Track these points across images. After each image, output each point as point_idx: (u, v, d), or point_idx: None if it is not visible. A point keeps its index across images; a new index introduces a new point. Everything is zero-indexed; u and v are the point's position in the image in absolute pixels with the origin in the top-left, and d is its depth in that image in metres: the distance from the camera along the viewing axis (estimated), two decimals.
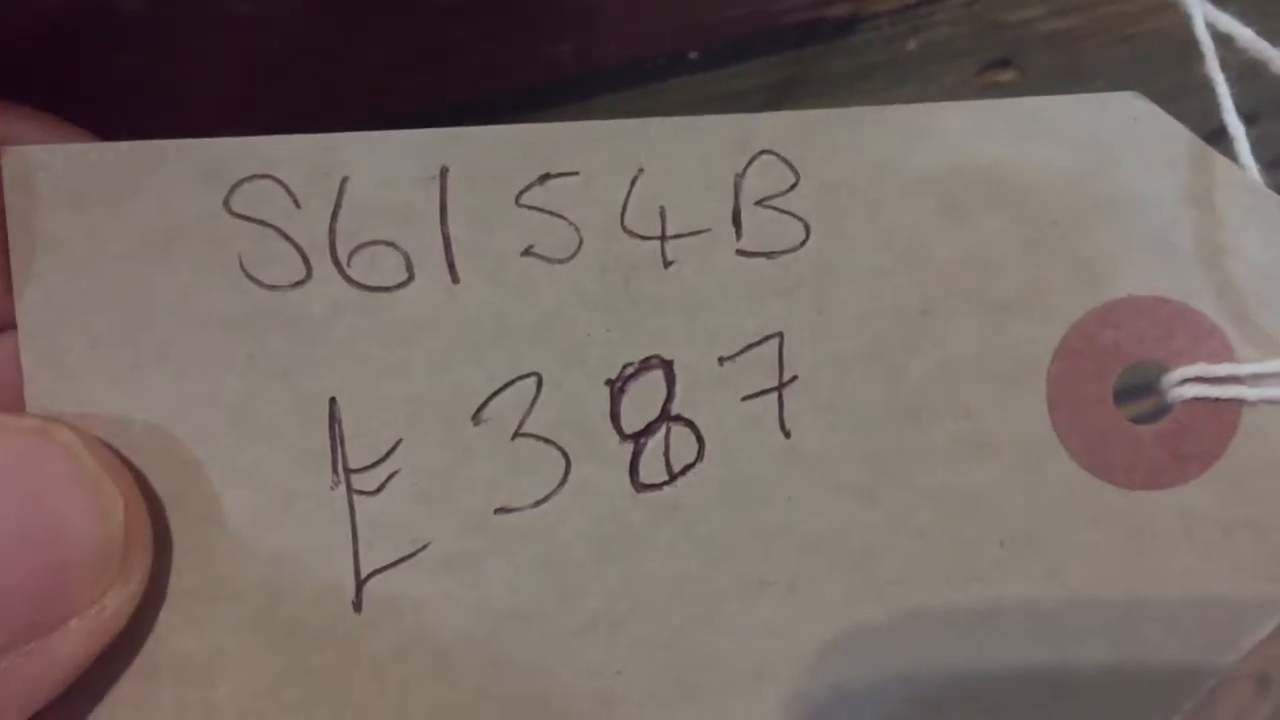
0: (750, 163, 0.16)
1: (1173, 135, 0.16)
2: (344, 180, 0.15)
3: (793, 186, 0.16)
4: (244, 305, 0.15)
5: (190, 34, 0.18)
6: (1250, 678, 0.32)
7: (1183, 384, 0.16)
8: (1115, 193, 0.16)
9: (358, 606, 0.15)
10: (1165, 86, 0.18)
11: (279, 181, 0.15)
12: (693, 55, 0.20)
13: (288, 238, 0.15)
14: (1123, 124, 0.16)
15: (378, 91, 0.20)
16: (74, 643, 0.13)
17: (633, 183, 0.15)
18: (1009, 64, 0.22)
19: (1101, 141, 0.16)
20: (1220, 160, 0.16)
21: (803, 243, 0.16)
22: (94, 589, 0.13)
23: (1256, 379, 0.16)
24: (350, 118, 0.19)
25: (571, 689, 0.16)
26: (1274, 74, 0.16)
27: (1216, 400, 0.16)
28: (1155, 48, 0.23)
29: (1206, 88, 0.17)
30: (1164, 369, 0.16)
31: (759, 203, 0.16)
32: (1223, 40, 0.17)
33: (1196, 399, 0.16)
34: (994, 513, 0.16)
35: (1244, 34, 0.16)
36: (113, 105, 0.17)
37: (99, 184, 0.15)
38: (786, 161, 0.16)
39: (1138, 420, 0.16)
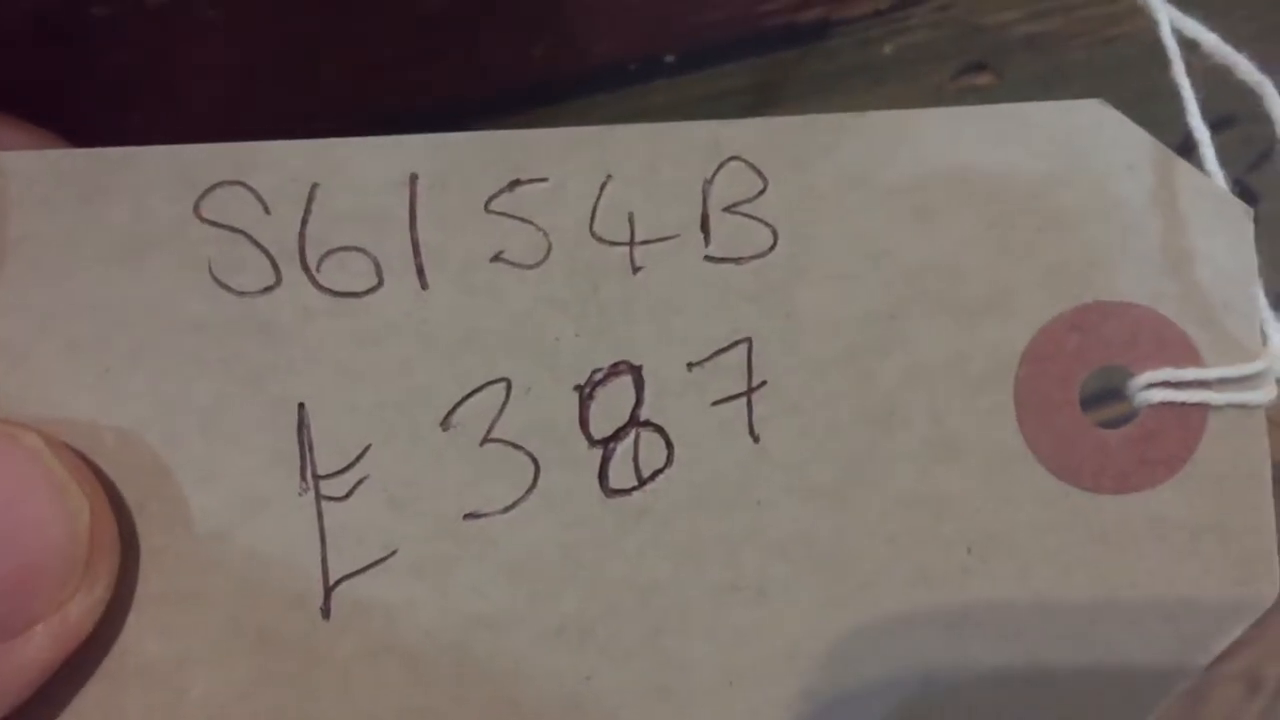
0: (719, 169, 0.16)
1: (1138, 142, 0.16)
2: (314, 186, 0.15)
3: (761, 193, 0.16)
4: (214, 311, 0.15)
5: (174, 36, 0.18)
6: (1240, 678, 0.32)
7: (1148, 388, 0.16)
8: (1083, 199, 0.16)
9: (326, 613, 0.15)
10: (1141, 89, 0.18)
11: (249, 188, 0.15)
12: (670, 59, 0.20)
13: (257, 244, 0.15)
14: (1090, 131, 0.16)
15: (358, 94, 0.20)
16: (39, 648, 0.13)
17: (601, 189, 0.16)
18: (985, 67, 0.22)
19: (1069, 148, 0.16)
20: (1185, 167, 0.16)
21: (771, 248, 0.16)
22: (59, 594, 0.13)
23: (1222, 383, 0.16)
24: (330, 120, 0.20)
25: (542, 694, 0.16)
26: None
27: (1183, 404, 0.16)
28: (1131, 51, 0.23)
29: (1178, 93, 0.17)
30: (1130, 374, 0.16)
31: (727, 209, 0.16)
32: (1190, 45, 0.17)
33: (1163, 403, 0.16)
34: (962, 517, 0.16)
35: (1209, 39, 0.16)
36: (96, 106, 0.17)
37: (70, 190, 0.15)
38: (755, 168, 0.16)
39: (1105, 425, 0.16)
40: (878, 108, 0.20)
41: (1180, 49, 0.17)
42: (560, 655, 0.16)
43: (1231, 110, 0.17)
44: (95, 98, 0.18)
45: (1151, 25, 0.17)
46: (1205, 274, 0.16)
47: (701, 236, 0.16)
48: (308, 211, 0.15)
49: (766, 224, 0.16)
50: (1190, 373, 0.16)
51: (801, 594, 0.16)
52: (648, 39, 0.20)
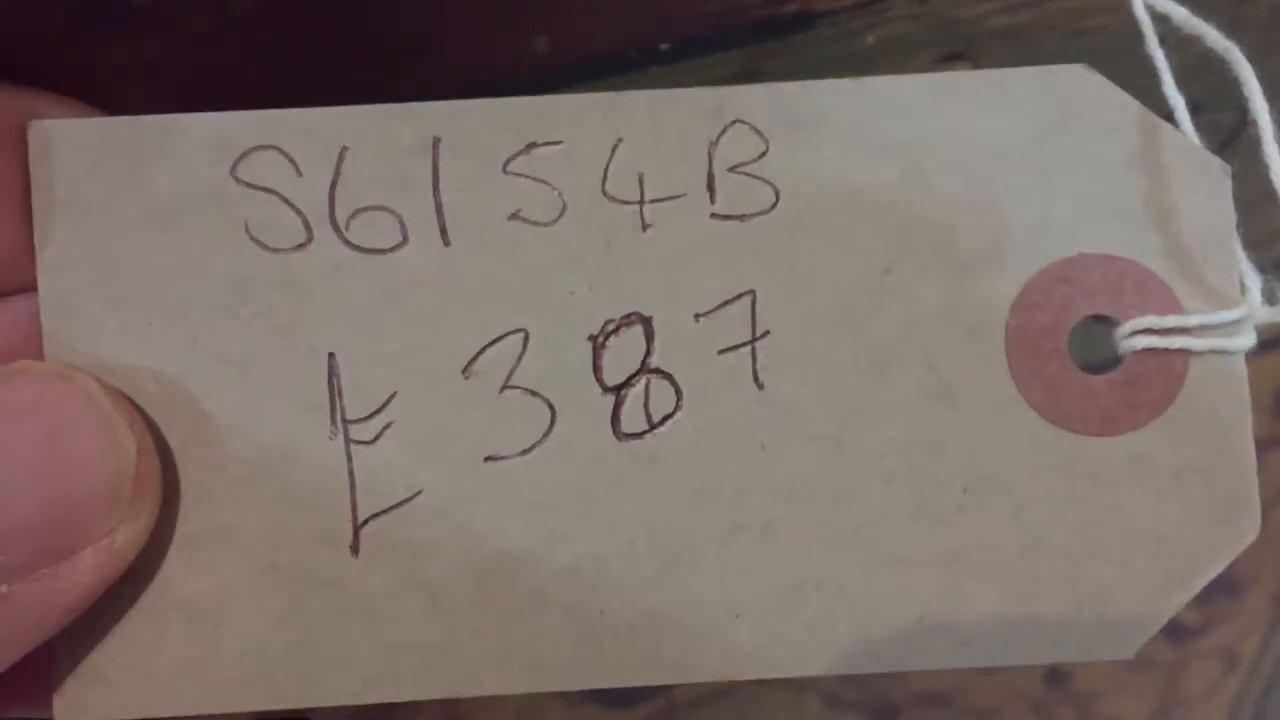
0: (723, 132, 0.16)
1: (1121, 104, 0.17)
2: (343, 150, 0.16)
3: (763, 154, 0.17)
4: (250, 267, 0.16)
5: (195, 25, 0.18)
6: (1218, 654, 0.33)
7: (1133, 335, 0.17)
8: (1067, 158, 0.17)
9: (355, 550, 0.16)
10: (1112, 79, 0.19)
11: (282, 152, 0.16)
12: (664, 47, 0.21)
13: (290, 204, 0.16)
14: (1074, 94, 0.17)
15: (360, 85, 0.20)
16: (84, 572, 0.14)
17: (613, 151, 0.16)
18: (963, 57, 0.23)
19: (1054, 111, 0.17)
20: (1166, 128, 0.17)
21: (773, 205, 0.17)
22: (105, 522, 0.14)
23: (1202, 330, 0.17)
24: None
25: (558, 627, 0.16)
26: (1216, 67, 0.17)
27: (1165, 351, 0.17)
28: (1105, 42, 0.24)
29: (1153, 82, 0.18)
30: (1115, 322, 0.17)
31: (732, 169, 0.17)
32: (1161, 19, 0.18)
33: (1146, 350, 0.17)
34: (957, 459, 0.17)
35: (1178, 11, 0.17)
36: (119, 94, 0.18)
37: (115, 155, 0.16)
38: (757, 130, 0.17)
39: (1091, 370, 0.17)
40: None
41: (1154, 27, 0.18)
42: (576, 591, 0.16)
43: (1196, 98, 0.18)
44: (119, 85, 0.19)
45: (1123, 18, 0.18)
46: (1186, 228, 0.17)
47: (708, 195, 0.17)
48: (337, 173, 0.16)
49: (769, 183, 0.17)
50: (1172, 320, 0.16)
51: (803, 533, 0.17)
52: (643, 28, 0.21)
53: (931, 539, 0.17)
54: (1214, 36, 0.17)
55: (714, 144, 0.17)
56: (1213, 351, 0.17)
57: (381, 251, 0.16)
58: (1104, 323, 0.17)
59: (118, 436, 0.14)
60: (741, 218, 0.17)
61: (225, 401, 0.16)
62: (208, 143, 0.16)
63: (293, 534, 0.16)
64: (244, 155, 0.16)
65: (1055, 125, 0.17)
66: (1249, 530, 0.17)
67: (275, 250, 0.16)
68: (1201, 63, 0.18)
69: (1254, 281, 0.17)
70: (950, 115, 0.17)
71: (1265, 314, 0.17)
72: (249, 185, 0.16)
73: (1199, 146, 0.17)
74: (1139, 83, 0.18)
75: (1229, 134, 0.26)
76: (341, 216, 0.16)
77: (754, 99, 0.17)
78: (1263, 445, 0.31)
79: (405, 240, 0.16)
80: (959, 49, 0.23)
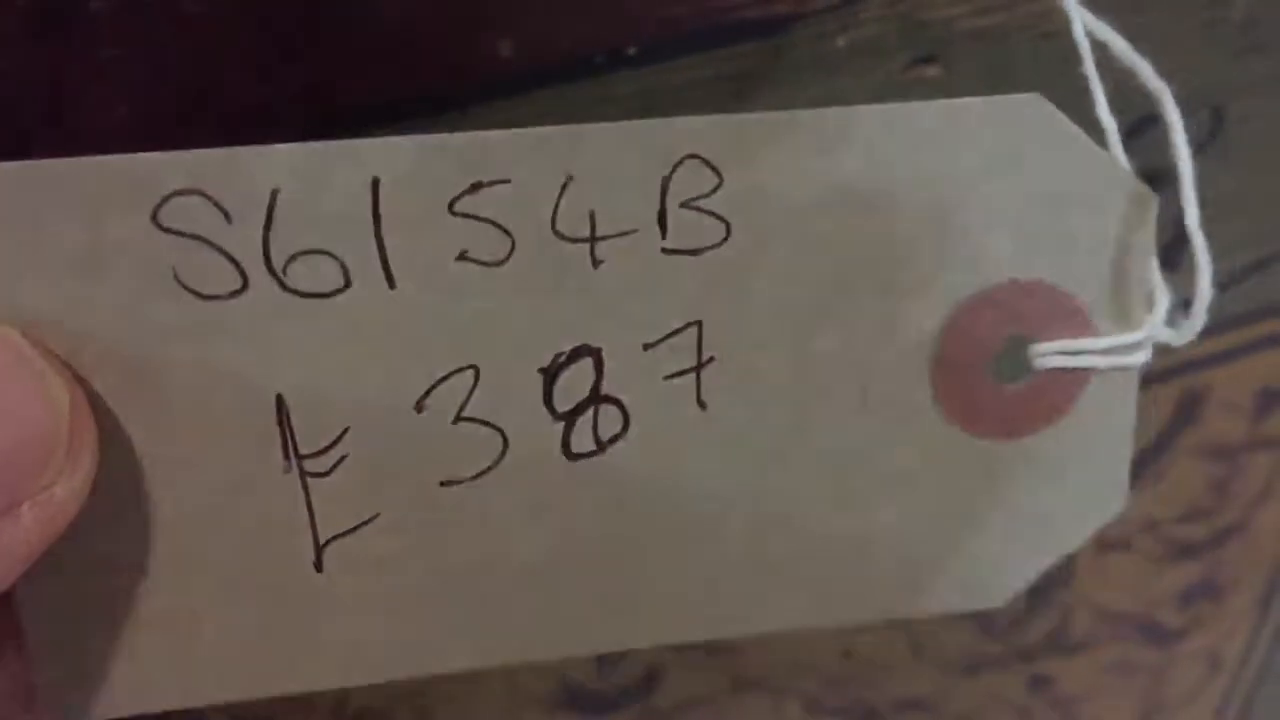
0: (675, 167, 0.16)
1: (1069, 135, 0.17)
2: (274, 192, 0.15)
3: (716, 188, 0.16)
4: (183, 315, 0.15)
5: (144, 32, 0.18)
6: (1201, 657, 0.33)
7: (1046, 356, 0.18)
8: (1011, 188, 0.17)
9: (319, 566, 0.16)
10: (1079, 82, 0.19)
11: (207, 196, 0.15)
12: (631, 51, 0.21)
13: (221, 250, 0.15)
14: (1025, 124, 0.17)
15: (323, 88, 0.20)
16: (27, 528, 0.14)
17: (562, 189, 0.16)
18: (934, 60, 0.23)
19: (1004, 141, 0.17)
20: (1104, 157, 0.17)
21: (724, 240, 0.17)
22: (43, 476, 0.14)
23: (1108, 351, 0.18)
24: (297, 114, 0.20)
25: (522, 624, 0.17)
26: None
27: (1074, 369, 0.18)
28: (1070, 46, 0.24)
29: (1121, 83, 0.19)
30: (1032, 341, 0.18)
31: (683, 204, 0.16)
32: (1100, 47, 0.18)
33: (1057, 368, 0.18)
34: (875, 462, 0.18)
35: (1119, 43, 0.18)
36: (68, 101, 0.18)
37: (14, 205, 0.15)
38: (709, 164, 0.16)
39: (1006, 381, 0.18)
40: (832, 98, 0.21)
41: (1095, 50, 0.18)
42: (532, 598, 0.17)
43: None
44: (67, 93, 0.19)
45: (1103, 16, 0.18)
46: (1112, 253, 0.18)
47: (659, 230, 0.16)
48: (270, 218, 0.15)
49: (721, 218, 0.16)
50: (1084, 343, 0.18)
51: (740, 536, 0.18)
52: (609, 32, 0.21)
53: (848, 520, 0.18)
54: (1148, 74, 0.18)
55: (667, 179, 0.16)
56: (1114, 368, 0.18)
57: (324, 295, 0.16)
58: (1021, 340, 0.18)
59: (49, 388, 0.14)
60: (693, 252, 0.16)
61: (170, 447, 0.16)
62: (123, 188, 0.15)
63: (257, 557, 0.16)
64: (165, 200, 0.15)
65: (1003, 156, 0.17)
66: (1117, 506, 0.19)
67: (209, 297, 0.15)
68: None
69: (1162, 303, 0.18)
70: (902, 147, 0.17)
71: (1165, 335, 0.18)
72: (174, 232, 0.15)
73: (1131, 175, 0.17)
74: (1109, 85, 0.19)
75: (1207, 135, 0.26)
76: (278, 261, 0.15)
77: (706, 132, 0.16)
78: (1243, 448, 0.31)
79: (348, 284, 0.16)
80: (931, 52, 0.23)
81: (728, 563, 0.18)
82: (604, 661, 0.29)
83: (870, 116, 0.17)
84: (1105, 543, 0.30)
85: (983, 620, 0.31)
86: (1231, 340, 0.29)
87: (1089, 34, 0.18)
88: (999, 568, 0.19)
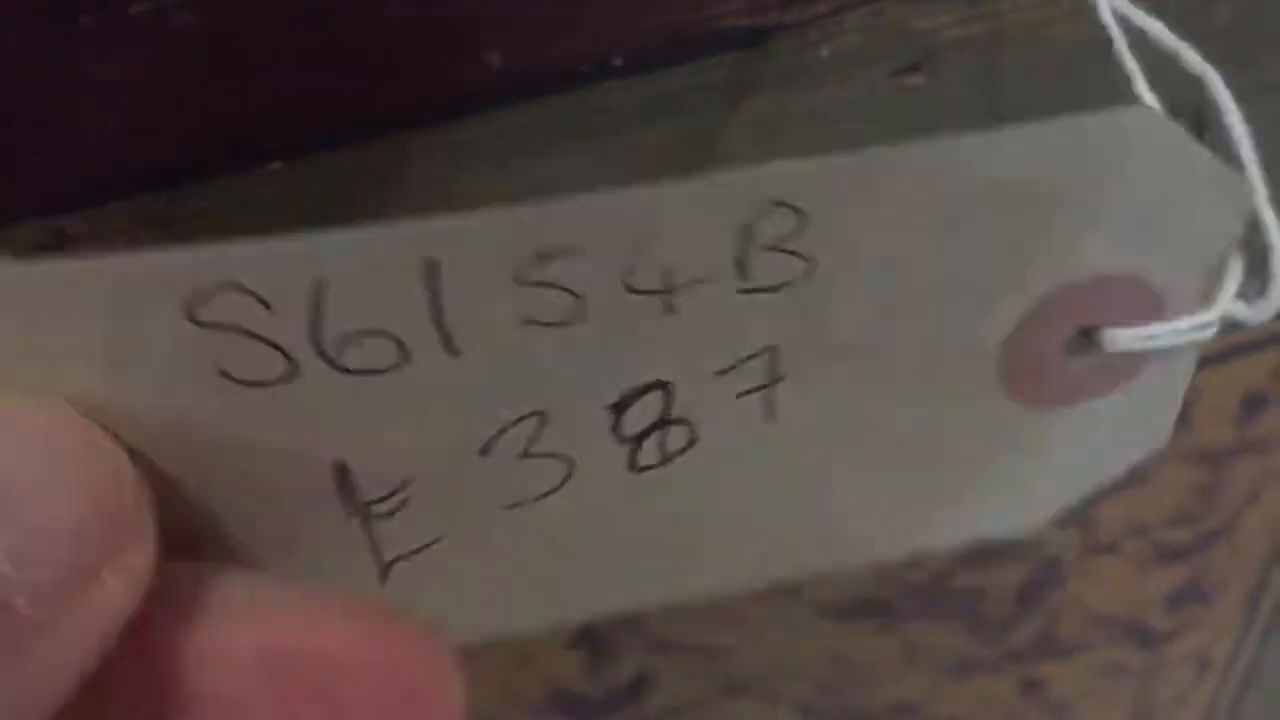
0: (761, 216, 0.15)
1: (1174, 141, 0.16)
2: (317, 280, 0.14)
3: (799, 230, 0.15)
4: (230, 403, 0.14)
5: (141, 44, 0.19)
6: (1191, 659, 0.33)
7: (1116, 340, 0.18)
8: (1107, 198, 0.16)
9: (383, 580, 0.17)
10: (1069, 91, 0.19)
11: (245, 289, 0.14)
12: (617, 62, 0.22)
13: (266, 340, 0.14)
14: (1126, 136, 0.16)
15: (308, 99, 0.20)
16: (112, 591, 0.13)
17: (639, 249, 0.15)
18: (919, 69, 0.23)
19: (1102, 157, 0.16)
20: (1201, 153, 0.16)
21: (804, 274, 0.16)
22: (117, 541, 0.14)
23: (1177, 333, 0.18)
24: (282, 125, 0.20)
25: (581, 588, 0.18)
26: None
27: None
28: (1064, 54, 0.24)
29: (1113, 93, 0.19)
30: (1108, 329, 0.18)
31: (766, 248, 0.15)
32: (1104, 46, 0.18)
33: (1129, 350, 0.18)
34: (930, 439, 0.18)
35: (1154, 27, 0.18)
36: (56, 116, 0.18)
37: (46, 304, 0.13)
38: (796, 209, 0.15)
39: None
40: (816, 108, 0.21)
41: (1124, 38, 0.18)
42: (595, 601, 0.19)
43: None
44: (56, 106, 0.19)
45: (1082, 30, 0.18)
46: (1197, 241, 0.17)
47: (737, 274, 0.15)
48: (316, 309, 0.14)
49: (803, 257, 0.15)
50: (1158, 328, 0.18)
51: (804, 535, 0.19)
52: (597, 43, 0.21)
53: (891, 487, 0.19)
54: (1190, 56, 0.17)
55: (750, 228, 0.15)
56: (1186, 345, 0.18)
57: (380, 371, 0.15)
58: (1097, 327, 0.18)
59: (115, 461, 0.14)
60: (772, 289, 0.16)
61: (231, 510, 0.15)
62: (154, 287, 0.13)
63: (322, 579, 0.16)
64: (200, 297, 0.13)
65: (1099, 171, 0.16)
66: (1160, 443, 0.19)
67: (259, 384, 0.14)
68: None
69: (1234, 280, 0.18)
70: (999, 169, 0.16)
71: (1241, 312, 0.18)
72: (213, 325, 0.14)
73: (1221, 165, 0.17)
74: (1098, 95, 0.19)
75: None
76: (329, 345, 0.14)
77: (795, 180, 0.15)
78: (1229, 452, 0.31)
79: (407, 359, 0.15)
80: (915, 61, 0.24)
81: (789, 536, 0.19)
82: (596, 664, 0.29)
83: (971, 145, 0.15)
84: (1094, 546, 0.31)
85: (973, 624, 0.31)
86: (1218, 345, 0.29)
87: (1117, 15, 0.18)
88: (1033, 495, 0.19)
